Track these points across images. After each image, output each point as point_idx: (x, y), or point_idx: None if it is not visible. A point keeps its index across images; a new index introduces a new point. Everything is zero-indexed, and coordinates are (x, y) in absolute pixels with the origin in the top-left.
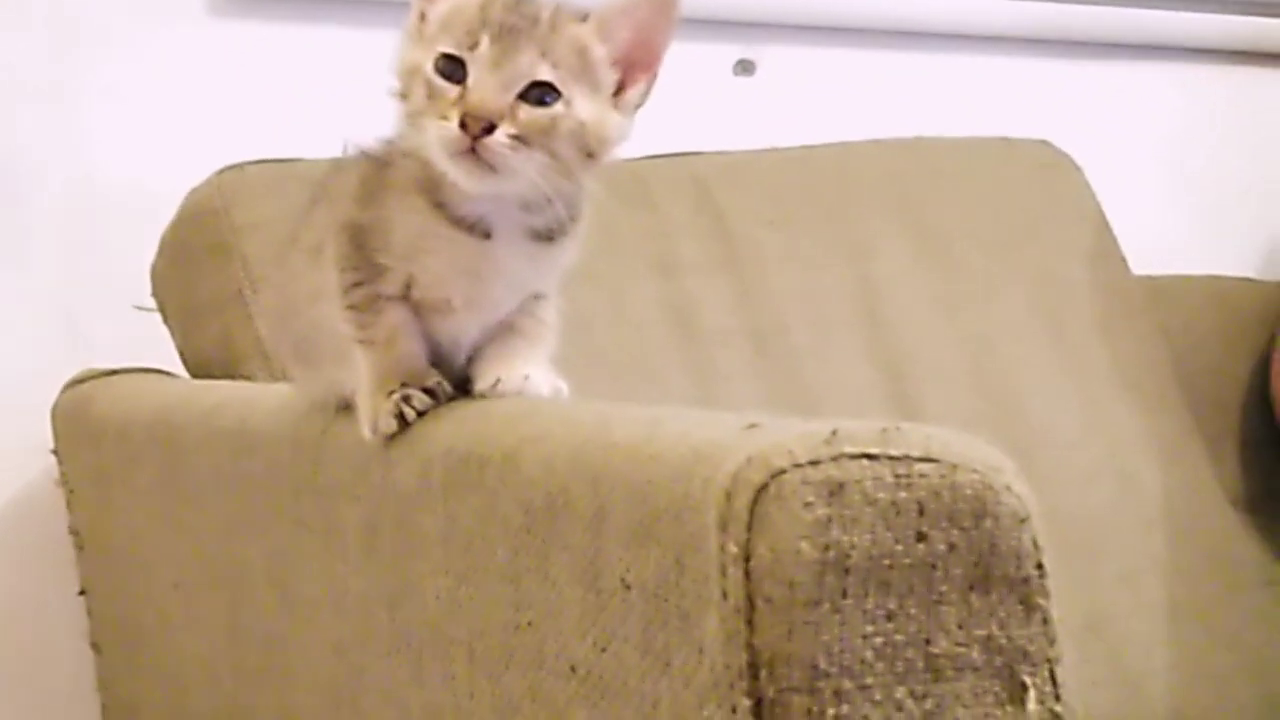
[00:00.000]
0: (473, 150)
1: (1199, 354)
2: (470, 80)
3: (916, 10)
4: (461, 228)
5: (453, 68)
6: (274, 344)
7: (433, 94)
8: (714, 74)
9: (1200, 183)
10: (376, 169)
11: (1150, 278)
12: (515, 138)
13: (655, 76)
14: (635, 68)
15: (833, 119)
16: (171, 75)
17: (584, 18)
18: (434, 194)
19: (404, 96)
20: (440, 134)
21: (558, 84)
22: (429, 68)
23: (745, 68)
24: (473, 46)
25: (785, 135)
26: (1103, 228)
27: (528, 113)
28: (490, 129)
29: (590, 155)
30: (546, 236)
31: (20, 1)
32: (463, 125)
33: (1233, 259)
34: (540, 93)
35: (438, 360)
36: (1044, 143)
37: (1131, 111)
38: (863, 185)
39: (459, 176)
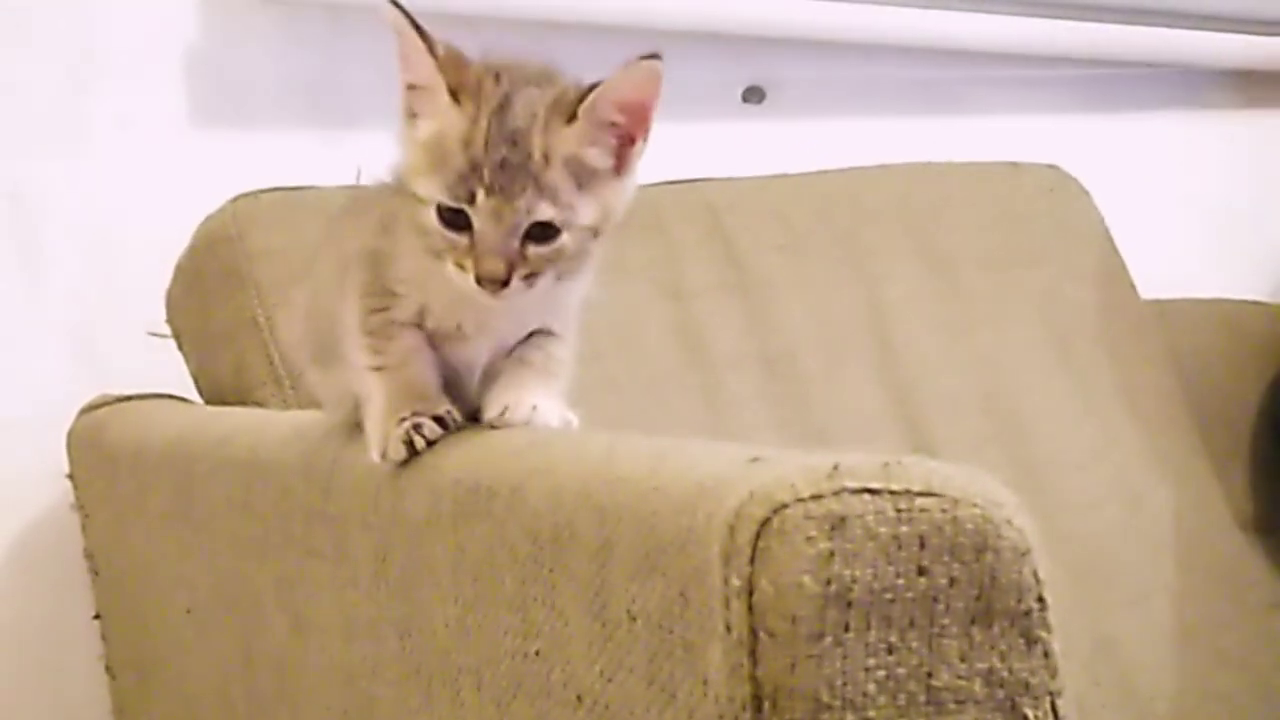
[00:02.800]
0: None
1: (1207, 377)
2: (477, 238)
3: (925, 38)
4: None
5: (455, 215)
6: (294, 348)
7: (443, 242)
8: (724, 101)
9: (1208, 206)
10: (393, 202)
11: (1158, 301)
12: (528, 275)
13: (649, 129)
14: (631, 132)
15: (841, 145)
16: (184, 104)
17: (571, 116)
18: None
19: (415, 202)
20: (461, 284)
21: (558, 221)
22: (432, 217)
23: (755, 94)
24: (470, 200)
25: (794, 161)
26: (1111, 251)
27: (535, 251)
28: (506, 281)
29: (597, 237)
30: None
31: (34, 33)
32: (479, 281)
33: (1241, 282)
34: (543, 230)
35: (452, 387)
36: (1052, 167)
37: (1139, 134)
38: (871, 210)
39: (478, 296)
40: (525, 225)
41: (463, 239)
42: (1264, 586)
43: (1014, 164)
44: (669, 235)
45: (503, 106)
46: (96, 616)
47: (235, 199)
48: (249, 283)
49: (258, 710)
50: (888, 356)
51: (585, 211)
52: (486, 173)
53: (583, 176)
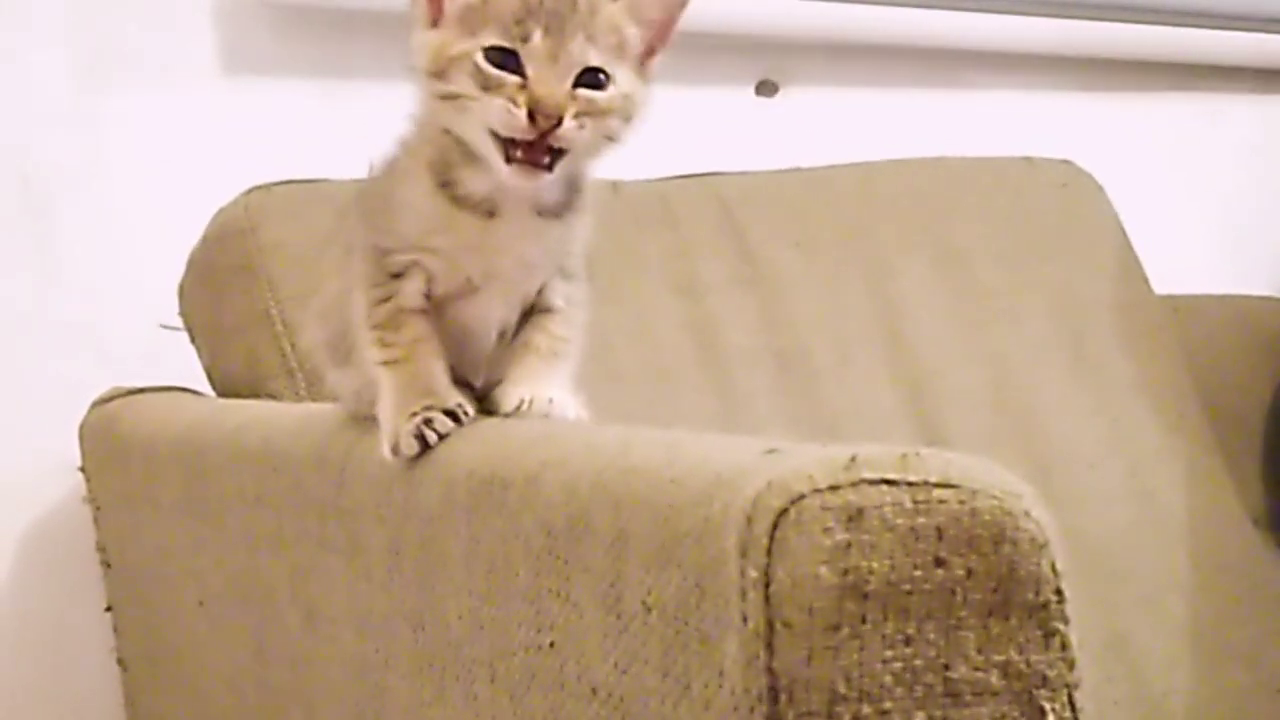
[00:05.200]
0: (538, 140)
1: (1220, 373)
2: (531, 74)
3: (939, 30)
4: (465, 207)
5: (505, 58)
6: (314, 351)
7: (488, 83)
8: (736, 95)
9: (1222, 201)
10: (391, 172)
11: (1172, 296)
12: (578, 115)
13: (667, 45)
14: (656, 38)
15: (855, 139)
16: (198, 94)
17: None
18: (441, 174)
19: (436, 76)
20: (507, 118)
21: (606, 67)
22: (479, 58)
23: (767, 88)
24: (525, 38)
25: (807, 155)
26: (1125, 247)
27: (585, 98)
28: (559, 121)
29: (627, 123)
30: (552, 213)
31: (45, 24)
32: (531, 118)
33: (1254, 278)
34: (591, 77)
35: (465, 354)
36: (1066, 162)
37: (1153, 130)
38: (885, 205)
39: (509, 177)
40: (577, 70)
41: (512, 78)
42: (1276, 582)
43: (1028, 159)
44: (680, 229)
45: None
46: (108, 609)
47: (248, 191)
48: (262, 275)
49: (270, 703)
50: (900, 352)
51: (623, 79)
52: (543, 15)
53: (621, 47)
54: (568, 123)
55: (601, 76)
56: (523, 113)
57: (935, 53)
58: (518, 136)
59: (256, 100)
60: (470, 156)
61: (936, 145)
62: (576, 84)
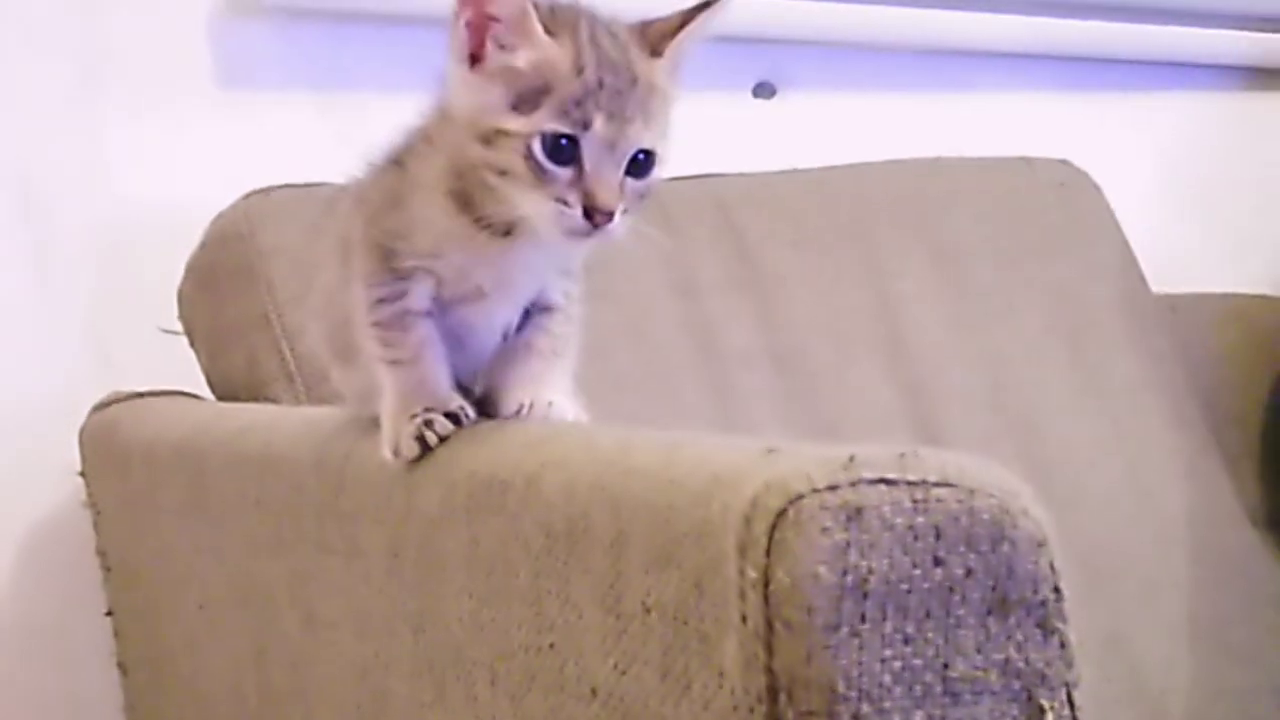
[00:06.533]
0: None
1: (1218, 371)
2: (589, 169)
3: (936, 31)
4: (482, 226)
5: (560, 147)
6: (317, 349)
7: (544, 176)
8: (734, 97)
9: (1219, 200)
10: (400, 173)
11: (1169, 296)
12: (624, 211)
13: None
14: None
15: (852, 140)
16: (196, 102)
17: (656, 51)
18: (462, 200)
19: (481, 141)
20: (563, 221)
21: (656, 148)
22: (537, 148)
23: (765, 90)
24: (586, 124)
25: (805, 157)
26: (1122, 246)
27: (632, 186)
28: (611, 215)
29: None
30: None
31: (48, 28)
32: (586, 214)
33: (1251, 277)
34: (640, 159)
35: (470, 350)
36: (1063, 162)
37: (1150, 130)
38: (882, 206)
39: (560, 242)
40: (630, 154)
41: (566, 172)
42: (1274, 582)
43: (1025, 159)
44: (679, 231)
45: (593, 35)
46: (109, 613)
47: (247, 195)
48: (261, 279)
49: (270, 706)
50: (898, 352)
51: (662, 147)
52: (604, 98)
53: (664, 112)
54: (617, 219)
55: (650, 156)
56: (578, 213)
57: (932, 54)
58: (571, 234)
59: (254, 109)
60: (495, 195)
61: (934, 146)
62: (626, 170)
